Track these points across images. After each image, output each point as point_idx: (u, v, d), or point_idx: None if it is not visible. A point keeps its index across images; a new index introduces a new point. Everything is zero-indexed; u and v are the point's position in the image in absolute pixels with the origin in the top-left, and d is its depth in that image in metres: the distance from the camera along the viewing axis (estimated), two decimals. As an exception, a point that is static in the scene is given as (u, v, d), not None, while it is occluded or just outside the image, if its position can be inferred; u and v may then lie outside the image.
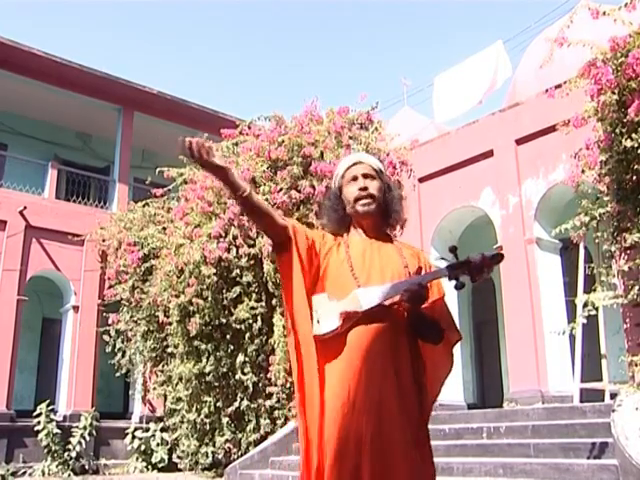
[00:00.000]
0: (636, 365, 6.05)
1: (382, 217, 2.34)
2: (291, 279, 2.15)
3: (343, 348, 2.10)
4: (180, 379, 9.01)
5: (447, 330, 2.20)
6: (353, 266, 2.20)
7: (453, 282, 2.11)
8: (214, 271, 8.27)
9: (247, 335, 8.27)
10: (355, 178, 2.32)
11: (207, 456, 8.81)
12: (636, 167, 5.78)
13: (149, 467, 11.18)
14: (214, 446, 8.65)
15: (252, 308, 8.20)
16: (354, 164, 2.36)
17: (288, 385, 7.83)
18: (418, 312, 2.12)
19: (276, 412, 8.08)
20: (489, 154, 9.06)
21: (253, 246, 8.42)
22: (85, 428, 11.11)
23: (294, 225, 2.21)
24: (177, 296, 8.77)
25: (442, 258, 2.32)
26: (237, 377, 8.27)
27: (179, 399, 9.25)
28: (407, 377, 2.10)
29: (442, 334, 2.17)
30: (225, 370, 8.46)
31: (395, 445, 2.01)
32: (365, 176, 2.31)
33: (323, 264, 2.23)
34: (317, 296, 2.19)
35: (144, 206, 11.31)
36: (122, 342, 10.82)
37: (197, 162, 2.01)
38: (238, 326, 8.25)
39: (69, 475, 10.60)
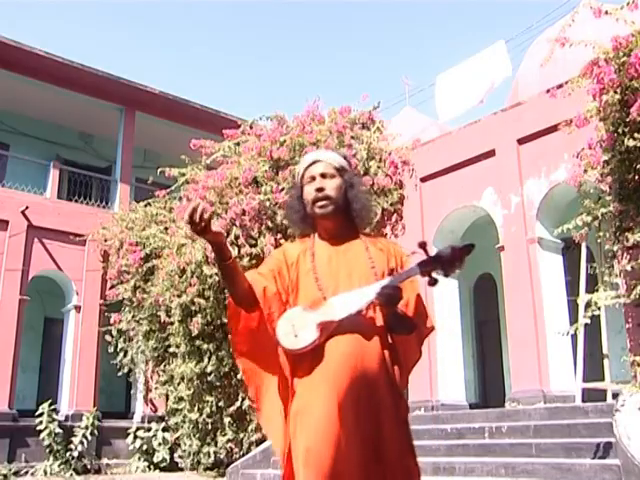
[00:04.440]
0: (638, 365, 6.04)
1: (345, 216, 2.25)
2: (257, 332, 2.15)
3: (320, 360, 2.06)
4: (182, 379, 9.03)
5: (420, 323, 2.19)
6: (318, 276, 2.15)
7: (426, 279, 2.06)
8: (215, 271, 8.27)
9: (249, 335, 8.26)
10: (313, 178, 2.22)
11: (209, 456, 8.82)
12: (638, 167, 5.77)
13: (151, 467, 11.19)
14: (216, 446, 8.66)
15: (254, 308, 8.19)
16: (313, 163, 2.25)
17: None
18: (394, 312, 2.10)
19: (278, 412, 8.08)
20: (491, 154, 9.04)
21: (255, 246, 8.43)
22: (87, 428, 11.12)
23: (264, 293, 2.13)
24: (179, 296, 8.78)
25: (413, 252, 2.24)
26: (239, 377, 8.27)
27: (181, 399, 9.26)
28: (382, 385, 2.05)
29: (414, 326, 2.16)
30: (227, 370, 8.46)
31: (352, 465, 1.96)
32: (323, 175, 2.21)
33: (293, 279, 2.19)
34: (291, 309, 2.14)
35: (146, 206, 11.33)
36: (124, 342, 10.83)
37: (196, 228, 1.92)
38: (240, 326, 8.25)
39: (71, 475, 10.60)
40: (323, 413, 2.00)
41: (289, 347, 2.06)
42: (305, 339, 2.04)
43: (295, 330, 2.06)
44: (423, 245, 2.03)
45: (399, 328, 2.14)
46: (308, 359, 2.08)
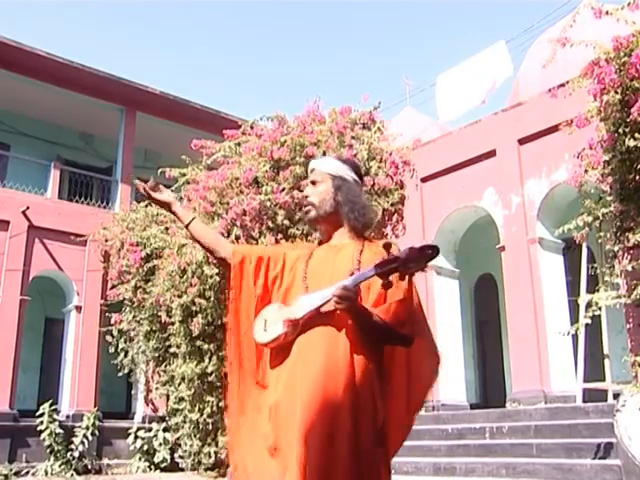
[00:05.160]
0: (639, 365, 6.04)
1: (338, 220, 2.28)
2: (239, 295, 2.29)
3: (287, 355, 2.11)
4: (182, 379, 9.03)
5: (409, 332, 2.08)
6: (307, 277, 2.20)
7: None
8: (216, 271, 8.27)
9: (249, 335, 8.26)
10: (307, 186, 2.37)
11: (210, 456, 8.82)
12: (639, 167, 5.77)
13: (152, 467, 11.19)
14: (217, 446, 8.66)
15: (254, 308, 8.19)
16: (310, 171, 2.38)
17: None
18: (361, 315, 2.03)
19: (278, 412, 8.08)
20: (492, 154, 9.04)
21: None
22: (88, 428, 11.12)
23: (238, 252, 2.28)
24: (180, 296, 8.78)
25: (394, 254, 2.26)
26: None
27: (181, 399, 9.26)
28: (344, 388, 2.00)
29: (401, 336, 2.07)
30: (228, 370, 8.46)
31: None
32: (313, 183, 2.32)
33: (289, 277, 2.24)
34: (269, 305, 2.21)
35: (146, 206, 11.32)
36: (125, 342, 10.82)
37: (147, 198, 2.33)
38: (240, 326, 8.25)
39: (72, 475, 10.61)
40: (288, 410, 2.04)
41: (257, 340, 2.18)
42: (271, 334, 2.13)
43: (266, 325, 2.16)
44: (387, 246, 2.04)
45: (381, 336, 2.09)
46: (279, 353, 2.15)
